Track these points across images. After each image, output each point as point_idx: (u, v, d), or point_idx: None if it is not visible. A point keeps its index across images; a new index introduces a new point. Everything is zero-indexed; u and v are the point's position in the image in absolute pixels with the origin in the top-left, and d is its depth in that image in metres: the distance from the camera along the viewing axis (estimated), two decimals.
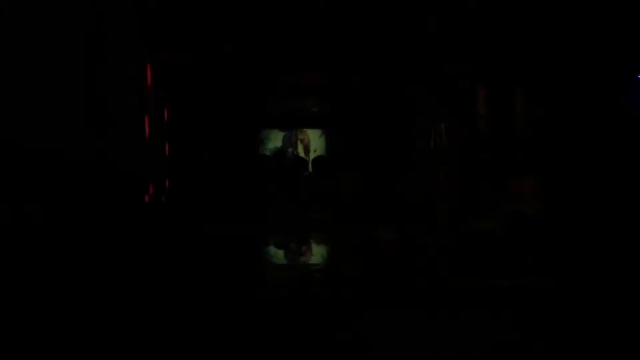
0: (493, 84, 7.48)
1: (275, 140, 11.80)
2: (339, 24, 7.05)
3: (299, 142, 11.95)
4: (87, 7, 5.41)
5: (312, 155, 11.80)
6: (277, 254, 7.05)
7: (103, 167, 5.67)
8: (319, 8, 6.20)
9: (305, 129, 11.80)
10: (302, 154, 11.89)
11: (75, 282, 4.26)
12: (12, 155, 4.25)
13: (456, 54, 7.35)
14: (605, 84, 6.90)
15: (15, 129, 4.39)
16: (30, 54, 4.59)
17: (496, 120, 7.56)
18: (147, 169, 7.28)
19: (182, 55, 7.73)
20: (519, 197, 7.23)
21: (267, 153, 11.29)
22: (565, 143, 7.05)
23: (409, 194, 8.20)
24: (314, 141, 12.01)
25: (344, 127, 10.04)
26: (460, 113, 7.71)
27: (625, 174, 6.67)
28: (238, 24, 6.91)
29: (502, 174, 7.31)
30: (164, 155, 8.70)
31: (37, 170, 4.76)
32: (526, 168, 7.24)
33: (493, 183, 7.31)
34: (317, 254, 7.02)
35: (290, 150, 11.88)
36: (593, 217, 6.49)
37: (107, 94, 5.85)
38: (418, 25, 6.80)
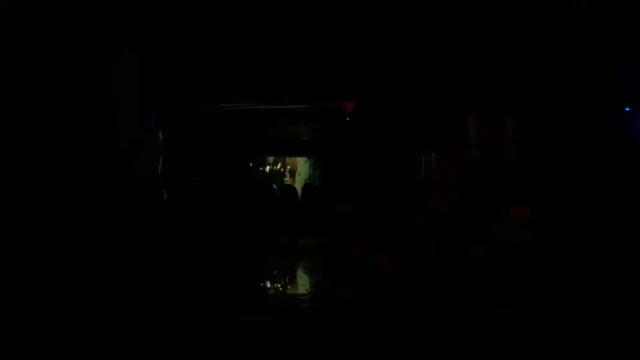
0: (488, 109, 7.58)
1: (266, 165, 11.85)
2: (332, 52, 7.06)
3: (287, 167, 12.01)
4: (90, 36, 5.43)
5: (298, 180, 11.82)
6: (267, 277, 7.02)
7: (99, 188, 5.60)
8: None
9: (293, 156, 11.89)
10: (289, 178, 11.94)
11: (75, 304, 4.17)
12: (10, 176, 4.20)
13: (451, 79, 7.44)
14: (603, 111, 7.04)
15: (13, 149, 4.34)
16: (29, 73, 4.58)
17: (493, 147, 7.65)
18: (142, 192, 7.16)
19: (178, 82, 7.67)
20: (515, 224, 7.28)
21: (258, 178, 11.27)
22: (561, 170, 7.15)
23: (404, 219, 8.22)
24: (300, 166, 12.09)
25: (337, 152, 10.03)
26: (455, 138, 7.79)
27: (622, 204, 6.77)
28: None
29: (498, 200, 7.37)
30: (159, 178, 8.60)
31: (36, 191, 4.68)
32: (522, 195, 7.32)
33: (489, 209, 7.37)
34: (307, 278, 7.00)
35: (280, 174, 11.91)
36: (590, 244, 6.56)
37: (105, 117, 5.80)
38: (418, 49, 6.87)
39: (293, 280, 6.96)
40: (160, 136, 8.93)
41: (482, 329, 4.07)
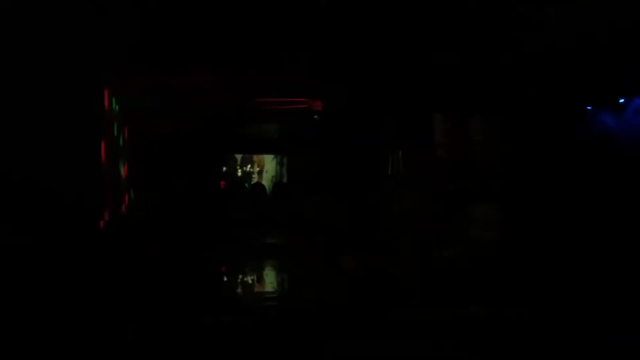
0: (458, 113, 7.77)
1: (232, 163, 11.82)
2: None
3: (255, 164, 12.02)
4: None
5: (266, 177, 11.85)
6: (236, 279, 6.99)
7: (54, 191, 5.49)
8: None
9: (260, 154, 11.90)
10: (256, 175, 11.95)
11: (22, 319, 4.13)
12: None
13: (422, 83, 7.54)
14: (564, 115, 7.34)
15: None
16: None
17: (461, 150, 7.85)
18: (101, 194, 7.00)
19: (141, 80, 7.59)
20: (482, 225, 7.50)
21: (226, 176, 11.24)
22: (527, 173, 7.41)
23: (373, 220, 8.29)
24: (267, 163, 12.14)
25: (306, 152, 10.08)
26: (424, 141, 7.93)
27: (584, 204, 7.09)
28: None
29: (465, 202, 7.56)
30: (121, 178, 8.44)
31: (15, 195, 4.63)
32: (488, 197, 7.52)
33: (456, 210, 7.54)
34: (273, 280, 6.98)
35: (246, 171, 11.91)
36: (554, 243, 6.85)
37: (64, 117, 5.69)
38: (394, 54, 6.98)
39: (264, 282, 6.92)
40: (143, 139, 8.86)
41: (455, 328, 4.20)
